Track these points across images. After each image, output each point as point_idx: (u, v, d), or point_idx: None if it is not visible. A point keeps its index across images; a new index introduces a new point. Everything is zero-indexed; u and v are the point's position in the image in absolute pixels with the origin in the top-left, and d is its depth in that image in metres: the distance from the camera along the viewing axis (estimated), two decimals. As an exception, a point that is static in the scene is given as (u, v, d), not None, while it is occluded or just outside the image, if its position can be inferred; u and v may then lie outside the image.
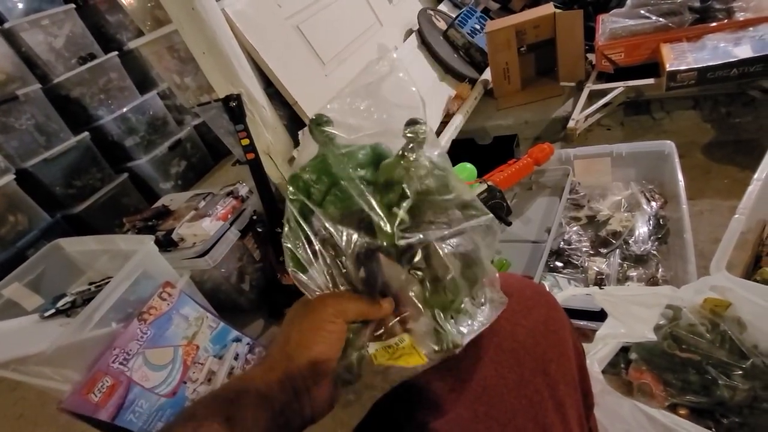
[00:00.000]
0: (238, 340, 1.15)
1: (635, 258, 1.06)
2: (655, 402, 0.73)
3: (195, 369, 1.05)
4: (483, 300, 0.40)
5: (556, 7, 1.72)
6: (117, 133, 2.31)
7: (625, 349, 0.81)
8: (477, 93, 1.89)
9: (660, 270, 1.02)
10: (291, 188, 0.41)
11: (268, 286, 1.44)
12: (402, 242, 0.36)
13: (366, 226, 0.38)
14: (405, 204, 0.37)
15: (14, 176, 1.88)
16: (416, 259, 0.36)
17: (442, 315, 0.37)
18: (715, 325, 0.72)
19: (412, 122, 0.39)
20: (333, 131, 0.41)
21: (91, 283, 1.25)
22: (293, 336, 0.37)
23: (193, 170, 2.64)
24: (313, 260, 0.39)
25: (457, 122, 1.73)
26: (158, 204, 1.56)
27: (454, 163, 1.34)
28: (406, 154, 0.38)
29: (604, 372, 0.76)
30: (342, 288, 0.39)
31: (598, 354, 0.69)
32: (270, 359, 0.37)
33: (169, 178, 2.51)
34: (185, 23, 1.19)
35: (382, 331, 0.39)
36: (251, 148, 1.31)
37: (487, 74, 1.92)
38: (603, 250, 1.11)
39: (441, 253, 0.37)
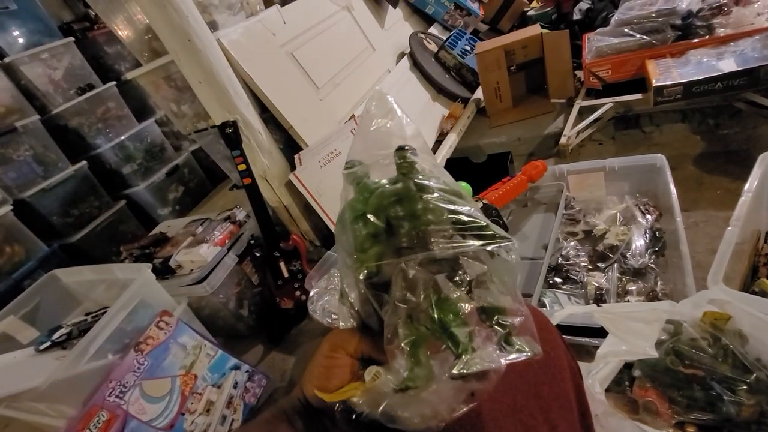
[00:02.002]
0: (237, 367, 1.13)
1: (633, 272, 1.06)
2: (661, 420, 0.72)
3: (193, 399, 1.03)
4: (487, 341, 0.34)
5: (542, 27, 1.77)
6: (115, 161, 2.33)
7: (628, 366, 0.80)
8: (470, 112, 1.92)
9: (659, 283, 1.01)
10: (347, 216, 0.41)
11: (267, 311, 1.42)
12: (364, 270, 0.35)
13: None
14: (367, 226, 0.36)
15: (11, 207, 1.88)
16: (392, 287, 0.35)
17: (408, 348, 0.33)
18: (716, 339, 0.71)
19: (398, 149, 0.39)
20: (357, 171, 0.40)
21: (87, 314, 1.24)
22: (305, 371, 0.39)
23: (191, 195, 2.65)
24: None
25: (451, 141, 1.75)
26: (155, 231, 1.56)
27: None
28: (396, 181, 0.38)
29: (608, 390, 0.75)
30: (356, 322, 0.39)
31: (599, 373, 0.68)
32: (294, 392, 0.41)
33: (167, 203, 2.51)
34: (181, 54, 1.22)
35: None
36: (248, 172, 1.33)
37: (478, 93, 1.96)
38: (601, 265, 1.11)
39: (408, 275, 0.34)
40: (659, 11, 1.40)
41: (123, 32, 1.50)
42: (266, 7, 1.56)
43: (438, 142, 1.78)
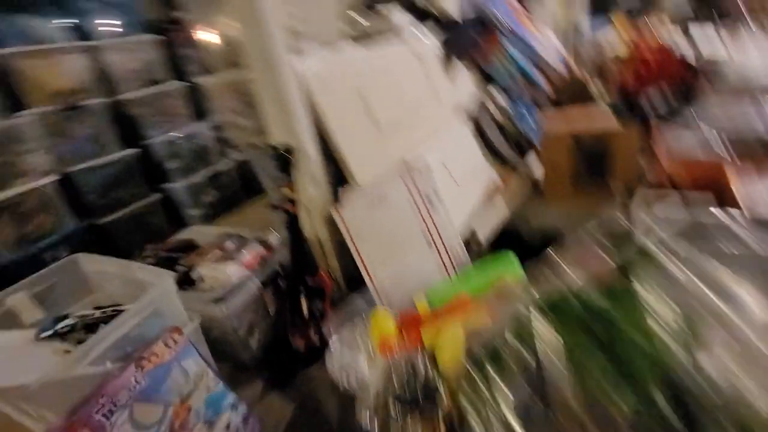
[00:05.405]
0: (234, 407, 1.03)
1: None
2: None
3: (180, 434, 0.93)
4: None
5: (614, 112, 1.73)
6: (161, 155, 2.37)
7: None
8: (522, 183, 1.87)
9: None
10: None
11: (276, 346, 1.33)
12: None
13: None
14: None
15: (56, 178, 1.91)
16: None
17: None
18: None
19: None
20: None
21: (96, 307, 1.18)
22: None
23: (224, 203, 2.65)
24: None
25: (501, 209, 1.69)
26: (185, 236, 1.52)
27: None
28: None
29: None
30: None
31: None
32: None
33: (199, 206, 2.52)
34: (261, 73, 1.23)
35: None
36: (293, 200, 1.29)
37: (534, 164, 1.91)
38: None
39: None
40: (747, 124, 1.34)
41: (206, 40, 1.55)
42: (345, 42, 1.59)
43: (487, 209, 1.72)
